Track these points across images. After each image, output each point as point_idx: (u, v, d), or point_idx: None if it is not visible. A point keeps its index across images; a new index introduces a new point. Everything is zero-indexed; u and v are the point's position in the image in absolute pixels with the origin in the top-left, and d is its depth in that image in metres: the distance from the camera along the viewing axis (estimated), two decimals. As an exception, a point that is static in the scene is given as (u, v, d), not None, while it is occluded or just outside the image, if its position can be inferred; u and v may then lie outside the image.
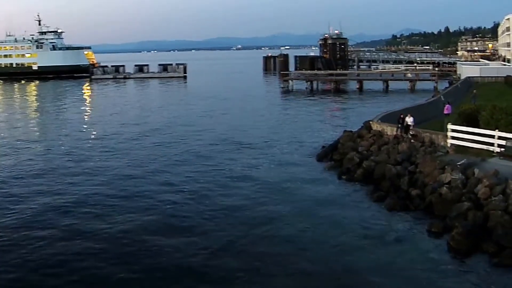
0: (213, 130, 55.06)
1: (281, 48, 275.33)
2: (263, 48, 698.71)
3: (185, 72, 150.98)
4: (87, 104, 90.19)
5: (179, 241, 23.75)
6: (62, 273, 20.86)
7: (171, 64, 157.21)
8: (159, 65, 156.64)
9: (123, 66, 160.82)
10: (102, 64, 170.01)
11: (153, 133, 54.81)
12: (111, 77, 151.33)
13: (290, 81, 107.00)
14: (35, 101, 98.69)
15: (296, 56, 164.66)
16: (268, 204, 29.03)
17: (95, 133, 56.23)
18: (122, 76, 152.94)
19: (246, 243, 23.45)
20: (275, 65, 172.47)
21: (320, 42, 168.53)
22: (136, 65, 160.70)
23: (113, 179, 35.58)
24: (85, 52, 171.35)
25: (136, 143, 49.35)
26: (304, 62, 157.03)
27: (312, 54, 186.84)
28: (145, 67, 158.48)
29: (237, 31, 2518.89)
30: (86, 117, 72.26)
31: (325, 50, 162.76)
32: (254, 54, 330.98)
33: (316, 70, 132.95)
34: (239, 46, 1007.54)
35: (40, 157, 43.85)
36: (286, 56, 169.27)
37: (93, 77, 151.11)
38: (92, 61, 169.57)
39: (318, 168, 37.33)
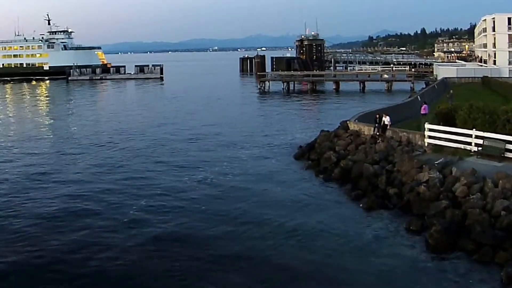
0: (189, 131, 54.58)
1: (258, 49, 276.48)
2: (239, 49, 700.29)
3: (161, 73, 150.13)
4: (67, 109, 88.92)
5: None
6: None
7: (147, 66, 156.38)
8: (136, 66, 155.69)
9: (99, 67, 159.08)
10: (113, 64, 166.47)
11: (124, 139, 54.13)
12: (88, 78, 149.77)
13: (266, 82, 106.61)
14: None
15: (272, 57, 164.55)
16: (244, 204, 28.72)
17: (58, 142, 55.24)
18: (98, 77, 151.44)
19: (219, 245, 23.04)
20: (251, 66, 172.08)
21: (297, 44, 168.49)
22: (112, 66, 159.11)
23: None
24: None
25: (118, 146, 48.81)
26: (281, 63, 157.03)
27: (288, 55, 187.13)
28: (122, 68, 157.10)
29: (213, 32, 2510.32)
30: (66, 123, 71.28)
31: (301, 51, 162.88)
32: (231, 56, 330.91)
33: (292, 71, 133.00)
34: (216, 48, 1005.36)
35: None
36: (262, 58, 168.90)
37: (70, 78, 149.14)
38: (103, 62, 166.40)
39: (296, 168, 37.18)
